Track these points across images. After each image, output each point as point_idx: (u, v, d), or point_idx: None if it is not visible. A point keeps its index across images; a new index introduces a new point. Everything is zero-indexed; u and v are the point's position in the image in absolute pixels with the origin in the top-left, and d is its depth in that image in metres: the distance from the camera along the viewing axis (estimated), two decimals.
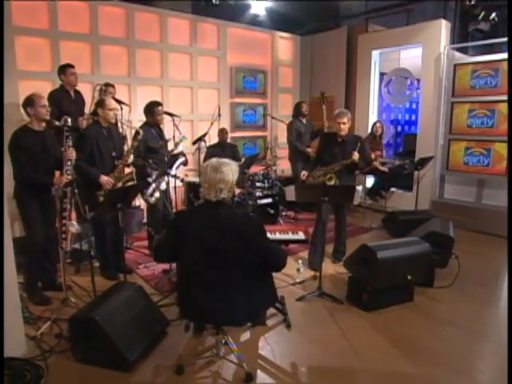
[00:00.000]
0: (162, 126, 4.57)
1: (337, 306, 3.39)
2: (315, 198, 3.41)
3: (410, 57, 6.76)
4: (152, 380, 2.46)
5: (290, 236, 2.95)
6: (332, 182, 3.89)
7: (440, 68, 5.90)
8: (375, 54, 6.75)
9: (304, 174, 4.10)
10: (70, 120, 3.05)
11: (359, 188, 3.75)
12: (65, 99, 4.31)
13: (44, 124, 3.26)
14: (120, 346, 2.50)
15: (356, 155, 3.84)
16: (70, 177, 3.06)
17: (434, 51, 5.92)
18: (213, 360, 2.62)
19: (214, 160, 2.35)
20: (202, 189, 2.45)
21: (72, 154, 3.10)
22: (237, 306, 2.27)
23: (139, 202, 5.82)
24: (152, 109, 4.35)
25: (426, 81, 6.09)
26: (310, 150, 5.72)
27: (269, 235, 2.90)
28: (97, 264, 3.94)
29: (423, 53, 6.06)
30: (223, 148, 6.06)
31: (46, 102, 3.17)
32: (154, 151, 4.26)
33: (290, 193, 4.10)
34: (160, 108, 4.38)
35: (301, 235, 2.94)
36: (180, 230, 2.33)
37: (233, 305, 2.27)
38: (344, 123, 3.90)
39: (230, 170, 2.30)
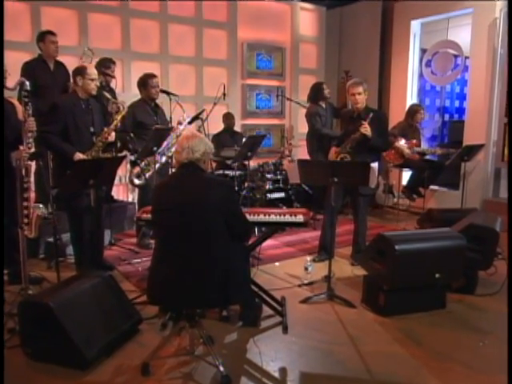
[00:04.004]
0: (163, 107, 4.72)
1: (348, 309, 3.30)
2: (323, 179, 3.34)
3: (460, 27, 6.57)
4: (111, 380, 2.43)
5: (286, 218, 2.87)
6: None
7: (495, 37, 5.72)
8: (415, 24, 6.68)
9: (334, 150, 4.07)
10: (27, 83, 3.06)
11: (375, 166, 3.65)
12: (41, 71, 4.39)
13: None
14: (76, 341, 2.47)
15: (365, 126, 3.78)
16: (31, 150, 3.07)
17: (488, 16, 5.74)
18: (187, 360, 2.59)
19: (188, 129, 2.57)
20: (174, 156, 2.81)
21: (32, 124, 3.11)
22: (207, 282, 2.35)
23: (132, 195, 5.92)
24: (146, 80, 4.52)
25: (477, 54, 5.92)
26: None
27: (262, 217, 2.91)
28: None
29: (474, 20, 5.92)
30: (232, 135, 6.11)
31: None
32: (144, 127, 4.40)
33: (294, 173, 4.05)
34: (155, 80, 4.54)
35: (299, 218, 2.86)
36: (154, 203, 2.54)
37: (203, 281, 2.35)
38: (359, 93, 3.91)
39: (205, 141, 2.58)
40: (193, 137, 2.54)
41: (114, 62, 4.98)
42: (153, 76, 4.56)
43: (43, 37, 4.46)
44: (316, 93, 5.79)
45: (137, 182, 4.26)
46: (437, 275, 3.14)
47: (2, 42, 4.08)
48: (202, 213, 2.36)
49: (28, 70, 4.27)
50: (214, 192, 2.39)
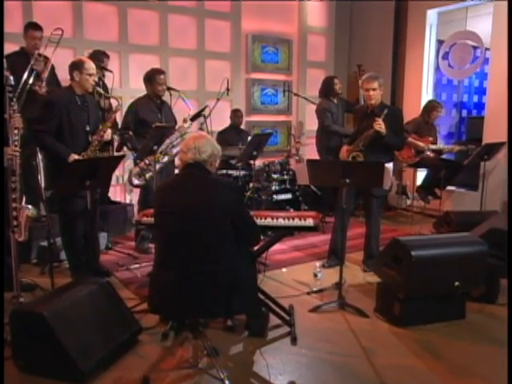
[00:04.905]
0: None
1: (361, 319, 3.29)
2: (334, 181, 3.33)
3: (480, 16, 6.53)
4: None
5: (295, 222, 2.87)
6: None
7: None
8: (431, 14, 6.66)
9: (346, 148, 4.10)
10: (12, 78, 3.03)
11: (389, 166, 3.64)
12: (22, 64, 4.34)
13: None
14: (72, 352, 2.47)
15: (379, 123, 3.76)
16: (17, 148, 3.06)
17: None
18: (190, 373, 2.59)
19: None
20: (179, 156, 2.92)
21: (18, 120, 3.10)
22: (211, 290, 2.37)
23: (130, 196, 5.93)
24: (152, 76, 4.56)
25: (498, 45, 5.84)
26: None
27: (270, 221, 2.91)
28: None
29: (495, 8, 5.86)
30: (238, 133, 6.10)
31: None
32: (146, 125, 4.39)
33: (303, 174, 4.05)
34: (162, 76, 4.58)
35: (309, 222, 2.85)
36: (157, 205, 2.59)
37: (207, 288, 2.36)
38: (374, 89, 3.90)
39: (212, 143, 2.62)
40: (200, 137, 2.59)
41: (107, 55, 4.96)
42: (161, 72, 4.59)
43: (25, 30, 4.45)
44: (327, 88, 5.81)
45: (136, 182, 4.26)
46: (456, 283, 3.13)
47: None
48: (207, 216, 2.37)
49: (8, 63, 4.24)
50: (220, 194, 2.41)
